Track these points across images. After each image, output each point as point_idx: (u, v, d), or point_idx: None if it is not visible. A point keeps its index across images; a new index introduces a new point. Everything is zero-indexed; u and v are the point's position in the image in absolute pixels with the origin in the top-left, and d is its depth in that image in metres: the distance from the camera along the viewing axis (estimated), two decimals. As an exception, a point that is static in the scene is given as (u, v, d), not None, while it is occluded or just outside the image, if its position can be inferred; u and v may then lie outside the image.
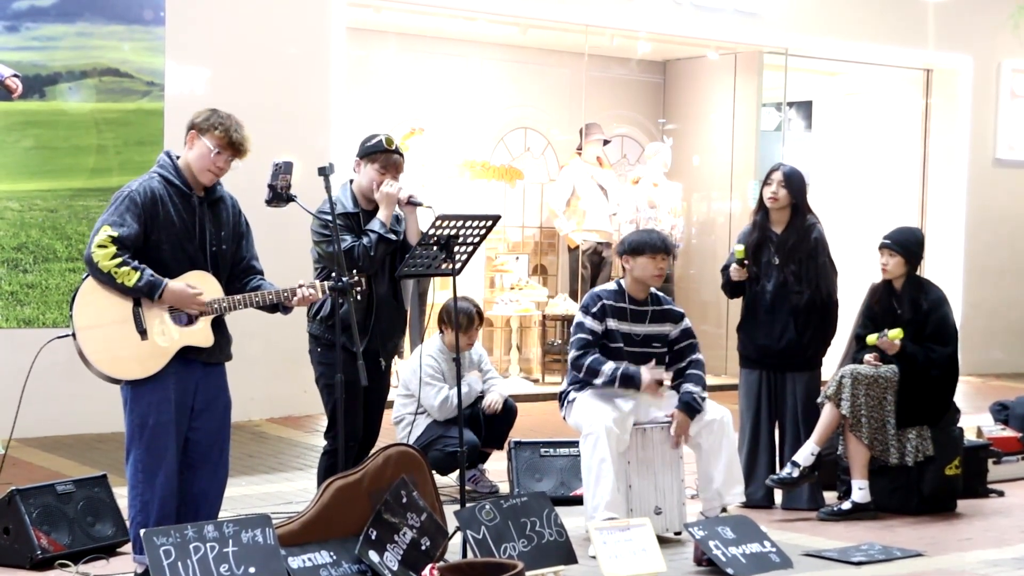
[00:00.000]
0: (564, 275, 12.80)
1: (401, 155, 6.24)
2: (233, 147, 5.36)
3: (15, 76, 8.76)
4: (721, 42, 12.63)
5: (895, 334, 7.06)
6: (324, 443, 6.32)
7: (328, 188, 5.78)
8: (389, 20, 11.49)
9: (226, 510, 6.19)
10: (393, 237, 6.09)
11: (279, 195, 5.51)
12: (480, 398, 7.58)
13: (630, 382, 6.42)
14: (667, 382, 6.53)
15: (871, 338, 7.13)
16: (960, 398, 11.26)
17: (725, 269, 7.43)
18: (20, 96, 8.78)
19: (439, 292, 11.38)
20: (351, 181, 6.23)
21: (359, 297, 5.68)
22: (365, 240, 6.01)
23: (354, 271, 5.75)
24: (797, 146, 14.53)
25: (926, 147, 14.17)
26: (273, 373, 9.54)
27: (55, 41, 8.89)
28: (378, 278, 6.11)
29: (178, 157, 5.46)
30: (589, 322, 6.52)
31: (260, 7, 9.75)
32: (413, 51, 12.12)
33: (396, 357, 10.19)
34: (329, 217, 5.82)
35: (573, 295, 12.08)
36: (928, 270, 13.77)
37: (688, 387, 6.53)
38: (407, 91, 12.02)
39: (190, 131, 5.41)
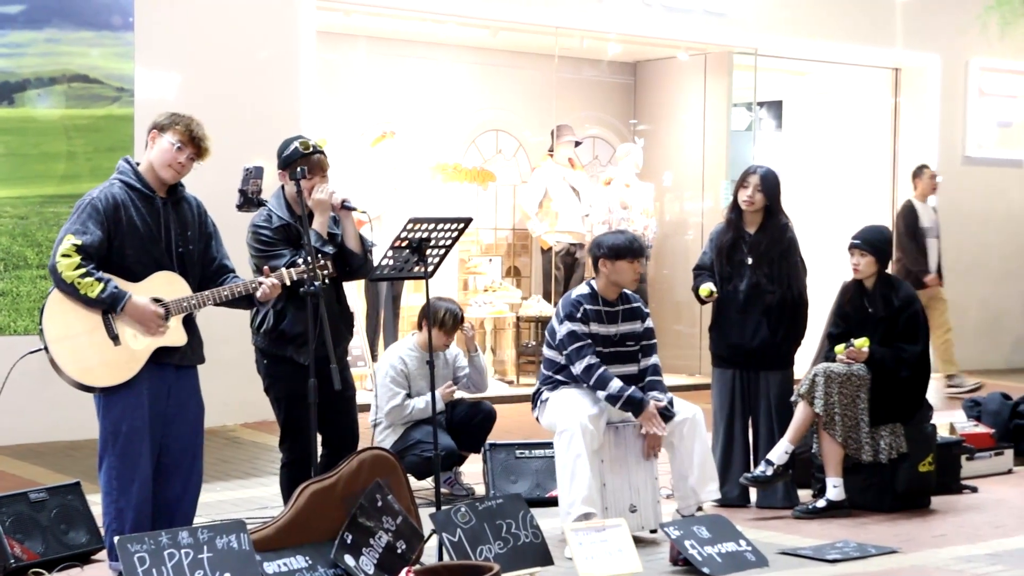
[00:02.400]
0: (538, 277, 12.82)
1: (323, 153, 5.96)
2: (194, 143, 5.38)
3: (-17, 83, 8.72)
4: (691, 43, 12.67)
5: (861, 343, 7.10)
6: (282, 455, 6.20)
7: (299, 192, 5.74)
8: (359, 24, 11.47)
9: (201, 516, 6.17)
10: (330, 249, 5.89)
11: (250, 199, 5.51)
12: (455, 404, 7.56)
13: (635, 406, 6.41)
14: (663, 432, 6.49)
15: (838, 348, 7.16)
16: (932, 395, 11.36)
17: (697, 268, 7.44)
18: (-11, 103, 8.74)
19: (411, 295, 11.39)
20: (282, 188, 5.97)
21: (327, 282, 5.62)
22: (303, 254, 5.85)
23: (319, 256, 5.67)
24: (768, 146, 14.58)
25: (895, 146, 14.24)
26: (248, 378, 9.37)
27: (23, 48, 8.84)
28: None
29: (138, 164, 5.47)
30: (579, 328, 6.51)
31: (229, 12, 9.71)
32: (383, 54, 12.11)
33: (372, 360, 10.18)
34: (266, 231, 5.78)
35: (547, 296, 12.09)
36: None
37: (655, 396, 6.53)
38: (378, 95, 12.01)
39: (151, 131, 5.44)
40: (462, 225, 5.95)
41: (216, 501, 7.32)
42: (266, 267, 5.59)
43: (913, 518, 7.08)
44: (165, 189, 5.44)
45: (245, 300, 5.54)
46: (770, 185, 7.26)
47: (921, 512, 7.22)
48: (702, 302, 7.42)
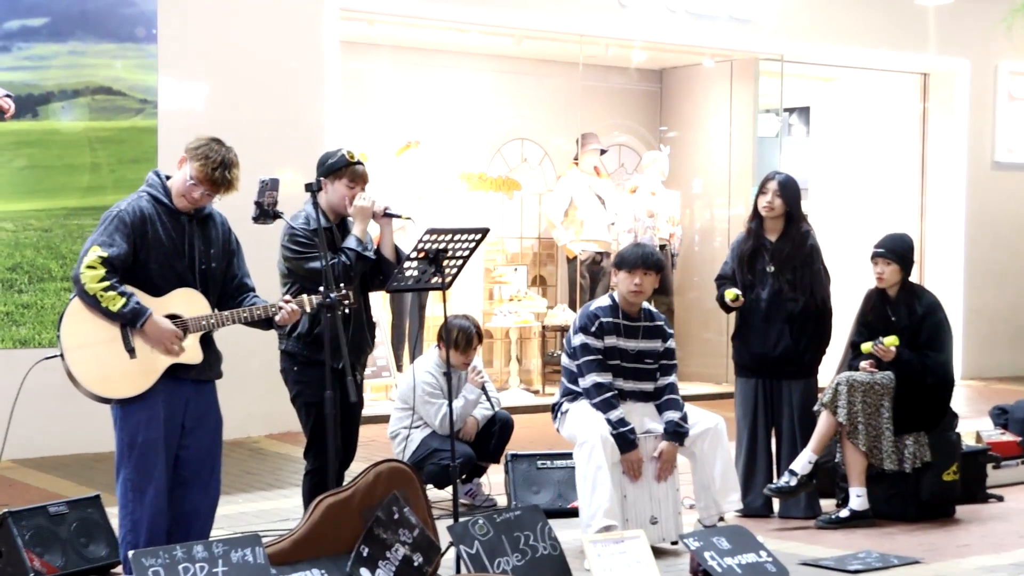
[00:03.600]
0: (563, 285, 12.78)
1: (363, 165, 6.13)
2: (211, 183, 5.33)
3: (7, 96, 8.76)
4: (716, 49, 12.61)
5: (891, 341, 7.04)
6: (306, 463, 6.22)
7: (316, 204, 5.78)
8: (383, 33, 11.47)
9: (222, 528, 6.18)
10: (371, 255, 6.02)
11: (266, 212, 5.50)
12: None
13: (623, 445, 6.34)
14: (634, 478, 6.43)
15: (866, 346, 7.10)
16: (962, 402, 11.26)
17: (720, 278, 7.40)
18: (13, 116, 8.78)
19: (436, 306, 11.37)
20: (317, 197, 6.05)
21: (348, 311, 5.66)
22: (343, 258, 5.94)
23: (341, 284, 5.72)
24: (796, 152, 14.51)
25: (924, 151, 14.15)
26: (273, 389, 9.42)
27: (47, 60, 8.89)
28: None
29: (168, 177, 5.47)
30: (592, 342, 6.48)
31: (253, 22, 9.74)
32: (408, 64, 12.11)
33: (396, 370, 10.19)
34: (303, 234, 5.81)
35: (572, 306, 12.05)
36: (928, 274, 13.83)
37: (669, 415, 6.49)
38: (402, 104, 12.00)
39: (184, 153, 5.42)
40: (480, 236, 5.93)
41: (238, 513, 7.33)
42: (287, 296, 5.61)
43: (937, 528, 7.01)
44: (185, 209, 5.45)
45: (264, 322, 5.54)
46: (789, 191, 7.21)
47: (946, 521, 7.15)
48: (728, 310, 7.37)
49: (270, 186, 5.48)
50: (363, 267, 6.02)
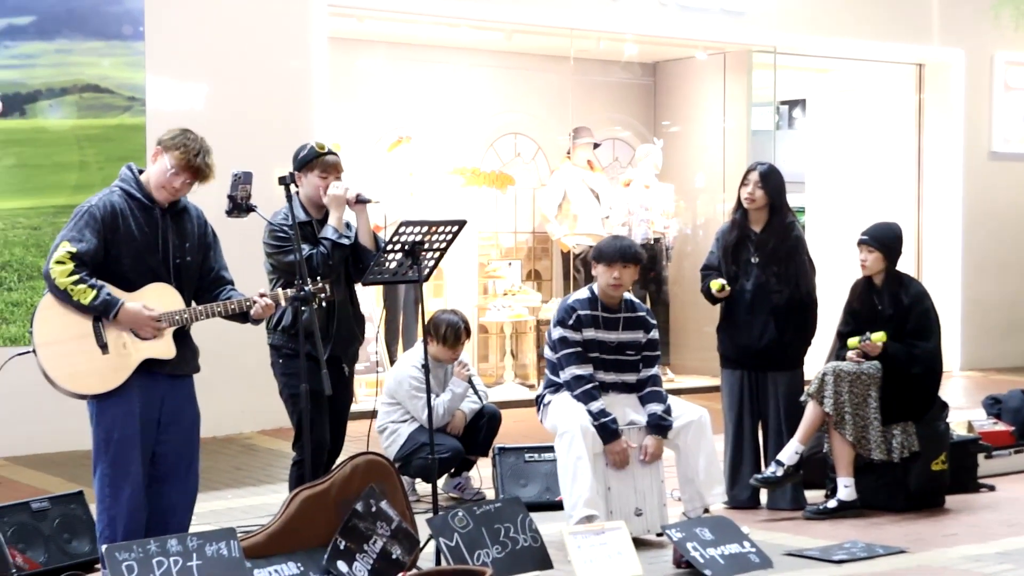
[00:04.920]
0: (558, 280, 12.77)
1: (336, 155, 6.20)
2: (191, 171, 5.33)
3: (-5, 95, 8.77)
4: (709, 42, 12.59)
5: (878, 337, 7.01)
6: (294, 454, 6.28)
7: (289, 197, 5.78)
8: (373, 29, 11.46)
9: (209, 523, 6.18)
10: (346, 242, 6.06)
11: (239, 205, 5.50)
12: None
13: (606, 435, 6.32)
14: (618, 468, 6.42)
15: (852, 341, 7.08)
16: (959, 393, 11.23)
17: (705, 268, 7.38)
18: (1, 115, 8.78)
19: (433, 299, 11.37)
20: (296, 193, 6.16)
21: (323, 304, 5.66)
22: (321, 248, 5.99)
23: (318, 277, 5.72)
24: (791, 144, 14.48)
25: (920, 142, 14.09)
26: (264, 385, 9.45)
27: (34, 59, 8.88)
28: (334, 284, 6.08)
29: (141, 171, 5.46)
30: (570, 335, 6.46)
31: (240, 19, 9.73)
32: (398, 59, 12.09)
33: (390, 366, 10.16)
34: (280, 229, 5.82)
35: (567, 300, 12.03)
36: (926, 265, 13.80)
37: (652, 407, 6.47)
38: (394, 100, 11.99)
39: (157, 146, 5.42)
40: (456, 228, 5.91)
41: (226, 508, 7.32)
42: (262, 290, 5.62)
43: (926, 517, 6.99)
44: (166, 201, 5.44)
45: (240, 315, 5.53)
46: (771, 182, 7.17)
47: (934, 511, 7.12)
48: (713, 301, 7.34)
49: (243, 179, 5.48)
50: (341, 256, 6.02)
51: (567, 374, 6.42)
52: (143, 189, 5.39)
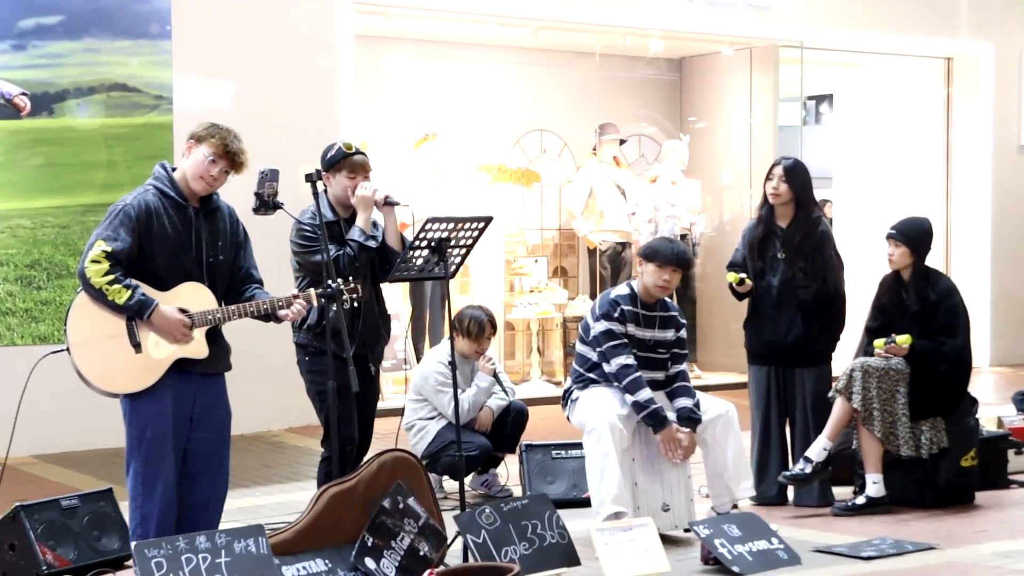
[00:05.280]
0: (584, 277, 12.75)
1: (364, 154, 6.20)
2: (228, 156, 5.36)
3: (23, 94, 8.81)
4: (735, 37, 12.55)
5: (903, 340, 6.97)
6: (322, 451, 6.30)
7: (316, 194, 5.79)
8: (399, 26, 11.48)
9: (237, 521, 6.19)
10: (373, 244, 6.06)
11: (266, 203, 5.51)
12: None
13: (656, 423, 6.32)
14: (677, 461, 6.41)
15: (878, 343, 7.04)
16: (989, 389, 11.16)
17: (731, 265, 7.36)
18: (29, 114, 8.84)
19: (460, 296, 11.38)
20: (325, 192, 6.15)
21: (356, 304, 5.67)
22: (347, 249, 5.99)
23: (349, 277, 5.73)
24: (818, 139, 14.43)
25: (949, 136, 14.03)
26: (292, 383, 9.50)
27: (62, 58, 8.94)
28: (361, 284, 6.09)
29: (174, 169, 5.48)
30: (616, 327, 6.45)
31: (266, 18, 9.76)
32: (424, 57, 12.10)
33: (416, 363, 10.16)
34: (308, 228, 5.83)
35: (593, 296, 11.99)
36: (955, 260, 13.73)
37: (682, 401, 6.46)
38: (420, 97, 11.99)
39: (189, 141, 5.45)
40: (483, 225, 5.90)
41: (254, 505, 7.34)
42: (295, 291, 5.65)
43: (955, 514, 6.94)
44: (198, 198, 5.46)
45: (270, 316, 5.55)
46: (796, 177, 7.14)
47: (964, 508, 7.07)
48: (739, 297, 7.33)
49: (269, 177, 5.49)
50: (368, 257, 6.03)
51: (614, 365, 6.40)
52: (177, 187, 5.41)
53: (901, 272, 7.19)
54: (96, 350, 5.27)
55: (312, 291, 5.61)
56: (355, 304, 5.66)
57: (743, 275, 7.14)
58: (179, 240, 5.38)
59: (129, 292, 5.22)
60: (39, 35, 8.86)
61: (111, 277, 5.20)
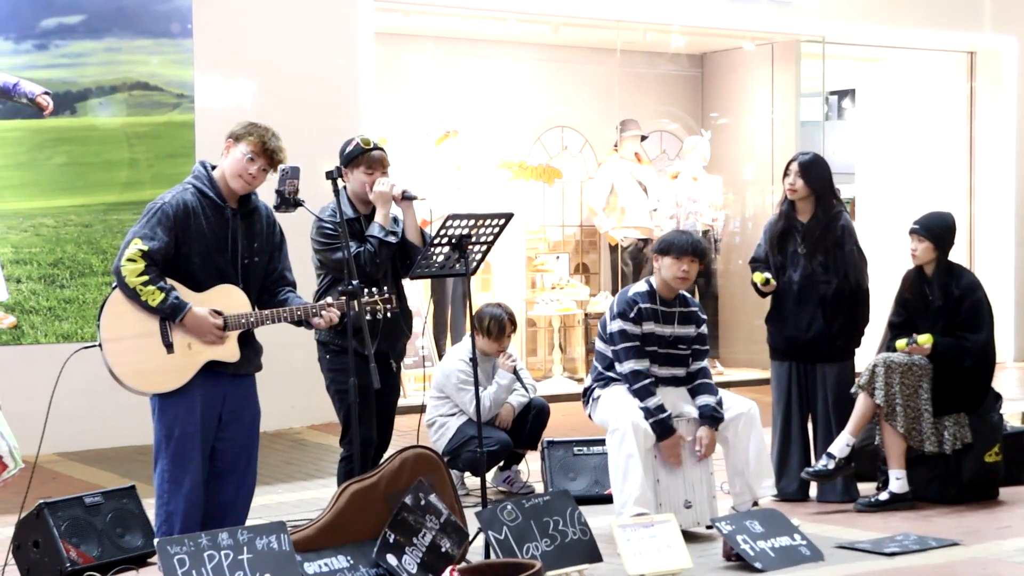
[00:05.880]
0: (606, 273, 12.74)
1: (382, 150, 6.18)
2: (267, 154, 5.37)
3: (46, 94, 8.84)
4: (756, 32, 12.52)
5: (924, 339, 6.94)
6: (342, 450, 6.30)
7: (336, 192, 5.79)
8: (419, 24, 11.49)
9: (260, 518, 6.20)
10: (393, 240, 6.05)
11: (287, 200, 5.50)
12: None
13: (662, 431, 6.30)
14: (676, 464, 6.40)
15: (900, 343, 7.01)
16: (1013, 384, 11.10)
17: (753, 261, 7.35)
18: (51, 113, 8.86)
19: (481, 293, 11.38)
20: (344, 188, 6.15)
21: (389, 315, 5.66)
22: (367, 245, 5.98)
23: (384, 288, 5.73)
24: (840, 135, 14.37)
25: (972, 131, 13.94)
26: (313, 381, 9.51)
27: (84, 57, 8.97)
28: (381, 281, 6.08)
29: (214, 168, 5.48)
30: (631, 328, 6.43)
31: (287, 16, 9.77)
32: (445, 54, 12.11)
33: (438, 360, 10.18)
34: (329, 225, 5.83)
35: (615, 293, 11.98)
36: (979, 256, 13.65)
37: (704, 399, 6.45)
38: (440, 94, 12.00)
39: (227, 140, 5.45)
40: (504, 221, 5.90)
41: (276, 503, 7.36)
42: (328, 299, 5.67)
43: (979, 510, 6.92)
44: (236, 199, 5.46)
45: (301, 321, 5.56)
46: (813, 172, 7.11)
47: (988, 504, 7.05)
48: (762, 294, 7.32)
49: (290, 174, 5.49)
50: (388, 253, 6.03)
51: (626, 368, 6.39)
52: (216, 187, 5.41)
53: (924, 267, 7.16)
54: (128, 348, 5.28)
55: (344, 300, 5.58)
56: (388, 315, 5.65)
57: (768, 275, 7.12)
58: (215, 241, 5.38)
59: (163, 295, 5.22)
60: (61, 35, 8.89)
61: (145, 278, 5.20)
